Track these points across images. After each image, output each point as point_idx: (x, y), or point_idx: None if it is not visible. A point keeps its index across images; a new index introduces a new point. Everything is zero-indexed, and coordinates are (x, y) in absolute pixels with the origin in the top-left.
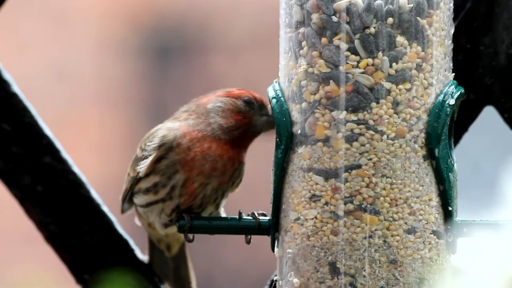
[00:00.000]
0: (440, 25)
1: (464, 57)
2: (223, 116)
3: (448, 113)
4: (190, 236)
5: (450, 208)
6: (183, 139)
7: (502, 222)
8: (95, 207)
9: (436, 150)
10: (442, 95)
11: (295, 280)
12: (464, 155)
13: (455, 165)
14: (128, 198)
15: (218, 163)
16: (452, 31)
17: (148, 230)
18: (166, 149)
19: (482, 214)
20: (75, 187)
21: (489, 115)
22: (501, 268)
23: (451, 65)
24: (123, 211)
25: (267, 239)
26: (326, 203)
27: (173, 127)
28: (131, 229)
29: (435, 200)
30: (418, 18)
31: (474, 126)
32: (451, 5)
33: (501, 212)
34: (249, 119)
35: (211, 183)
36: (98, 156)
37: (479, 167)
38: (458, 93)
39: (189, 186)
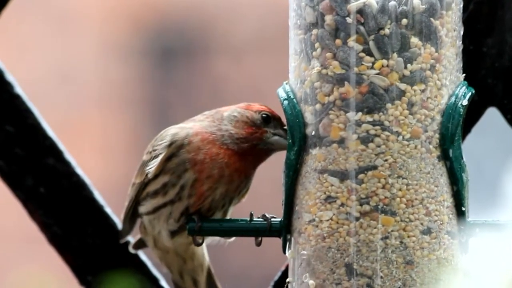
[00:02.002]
0: (452, 25)
1: (467, 58)
2: (236, 126)
3: (461, 113)
4: (199, 239)
5: (463, 209)
6: (195, 137)
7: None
8: (98, 208)
9: (450, 151)
10: (454, 96)
11: (311, 282)
12: (467, 156)
13: (466, 165)
14: (131, 213)
15: (225, 172)
16: (462, 32)
17: (159, 255)
18: (177, 146)
19: (485, 214)
20: (78, 189)
21: (492, 116)
22: (508, 268)
23: (461, 65)
24: (122, 234)
25: (271, 240)
26: (342, 205)
27: (186, 126)
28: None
29: (449, 201)
30: (431, 19)
31: (477, 128)
32: (461, 6)
33: (504, 212)
34: (260, 135)
35: (219, 187)
36: (101, 158)
37: (482, 168)
38: (470, 93)
39: (198, 188)
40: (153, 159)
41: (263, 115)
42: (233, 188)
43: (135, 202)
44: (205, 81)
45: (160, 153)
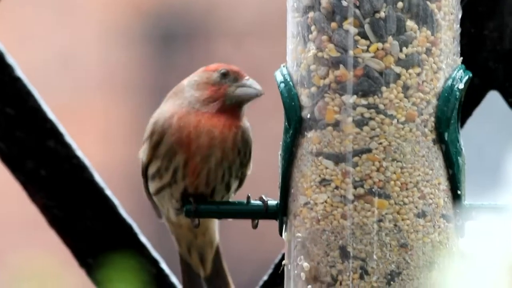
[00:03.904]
0: (449, 9)
1: (469, 41)
2: (197, 89)
3: (457, 97)
4: (196, 221)
5: (459, 192)
6: (172, 119)
7: (510, 206)
8: (99, 191)
9: (446, 134)
10: (451, 80)
11: (305, 264)
12: (468, 139)
13: (463, 149)
14: (148, 193)
15: (214, 132)
16: (460, 15)
17: (171, 228)
18: (160, 133)
19: (486, 198)
20: (78, 171)
21: (493, 99)
22: (507, 251)
23: (459, 49)
24: (159, 215)
25: (270, 224)
26: (336, 187)
27: (162, 110)
28: (135, 213)
29: (444, 184)
30: (427, 2)
31: (478, 111)
32: None
33: (505, 196)
34: (224, 90)
35: (213, 153)
36: (103, 142)
37: (483, 151)
38: (467, 77)
39: (191, 162)
40: (143, 144)
41: (221, 72)
42: (230, 145)
43: (146, 183)
44: (206, 65)
45: (147, 140)
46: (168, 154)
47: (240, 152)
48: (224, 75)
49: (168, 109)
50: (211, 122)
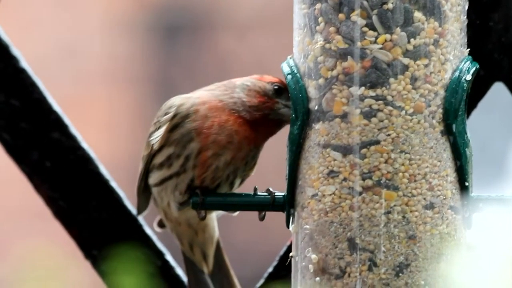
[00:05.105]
0: (456, 0)
1: (474, 33)
2: (248, 94)
3: (464, 88)
4: (203, 213)
5: (466, 184)
6: (201, 106)
7: None
8: (104, 182)
9: (454, 126)
10: (458, 71)
11: (313, 256)
12: (473, 131)
13: (470, 140)
14: (144, 186)
15: (234, 138)
16: (467, 7)
17: (170, 226)
18: (182, 117)
19: (490, 190)
20: (83, 163)
21: (498, 91)
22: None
23: (466, 40)
24: (139, 209)
25: (276, 216)
26: (345, 179)
27: (193, 96)
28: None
29: (452, 176)
30: None
31: (483, 103)
32: None
33: (510, 187)
34: (272, 105)
35: (224, 154)
36: (106, 134)
37: (488, 143)
38: (474, 68)
39: (202, 153)
40: (157, 130)
41: (275, 87)
42: (240, 156)
43: (146, 174)
44: (210, 57)
45: (164, 124)
46: (183, 140)
47: (247, 164)
48: (278, 91)
49: (202, 96)
50: (237, 127)
